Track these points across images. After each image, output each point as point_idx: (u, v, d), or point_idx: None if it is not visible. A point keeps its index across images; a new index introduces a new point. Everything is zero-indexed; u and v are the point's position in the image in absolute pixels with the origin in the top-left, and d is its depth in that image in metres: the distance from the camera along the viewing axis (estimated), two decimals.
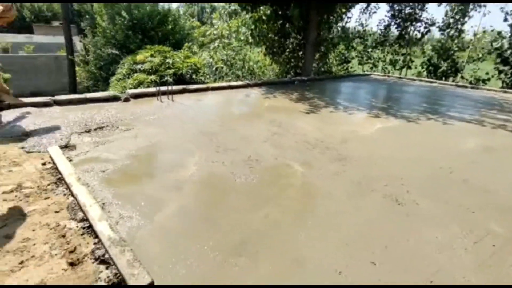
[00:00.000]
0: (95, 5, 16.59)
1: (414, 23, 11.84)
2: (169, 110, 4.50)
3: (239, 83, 7.05)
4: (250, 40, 8.98)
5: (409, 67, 12.21)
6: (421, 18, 11.66)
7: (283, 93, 6.41)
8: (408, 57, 12.18)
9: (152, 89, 5.44)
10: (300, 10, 7.86)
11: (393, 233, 1.92)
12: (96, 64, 13.85)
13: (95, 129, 3.46)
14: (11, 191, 2.13)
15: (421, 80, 9.64)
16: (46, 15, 27.79)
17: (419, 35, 11.83)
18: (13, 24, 26.76)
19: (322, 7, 8.33)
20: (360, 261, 1.66)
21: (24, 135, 3.13)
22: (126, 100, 4.95)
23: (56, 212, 1.95)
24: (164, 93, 5.33)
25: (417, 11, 11.72)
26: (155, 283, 1.40)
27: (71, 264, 1.53)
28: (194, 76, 9.52)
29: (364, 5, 12.17)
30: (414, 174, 2.80)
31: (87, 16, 19.49)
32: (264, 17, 8.14)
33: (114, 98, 4.91)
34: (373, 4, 12.15)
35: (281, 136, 3.64)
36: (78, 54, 15.78)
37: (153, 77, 9.73)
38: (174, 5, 15.52)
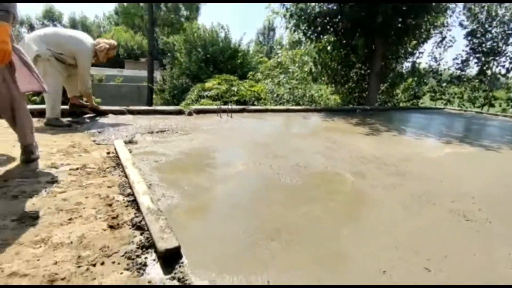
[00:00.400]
0: (176, 43, 18.78)
1: (497, 57, 10.83)
2: (227, 124, 4.67)
3: (298, 107, 7.08)
4: (313, 69, 9.10)
5: (492, 105, 10.99)
6: (506, 52, 10.62)
7: (343, 118, 6.24)
8: (491, 93, 11.02)
9: (214, 107, 5.76)
10: (365, 40, 7.79)
11: (457, 246, 1.62)
12: (170, 92, 15.34)
13: (157, 132, 3.73)
14: (77, 168, 2.37)
15: (505, 116, 8.57)
16: (136, 53, 32.14)
17: (503, 71, 10.71)
18: (111, 60, 31.57)
19: (388, 38, 8.15)
20: (411, 265, 1.42)
21: (98, 132, 3.51)
22: (190, 114, 5.31)
23: (109, 187, 2.08)
24: (224, 111, 5.60)
25: (500, 44, 10.75)
26: (183, 251, 1.37)
27: (111, 227, 1.59)
28: (256, 103, 9.87)
29: (438, 38, 11.57)
30: (489, 195, 2.40)
31: (169, 54, 22.08)
32: (328, 47, 8.24)
33: (179, 112, 5.30)
34: (448, 38, 11.48)
35: (335, 150, 3.48)
36: (157, 84, 17.70)
37: (218, 102, 10.36)
38: (244, 42, 16.75)
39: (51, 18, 38.62)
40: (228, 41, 15.87)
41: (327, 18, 7.84)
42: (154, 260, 1.35)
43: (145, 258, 1.36)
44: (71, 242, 1.43)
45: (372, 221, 1.83)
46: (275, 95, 9.14)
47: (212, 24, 16.93)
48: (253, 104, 10.06)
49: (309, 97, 9.03)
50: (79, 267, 1.28)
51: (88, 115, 4.37)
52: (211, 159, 2.87)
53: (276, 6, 7.70)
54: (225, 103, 10.17)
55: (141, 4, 17.87)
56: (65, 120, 3.85)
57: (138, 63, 29.60)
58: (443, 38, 11.38)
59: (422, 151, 3.78)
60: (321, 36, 7.78)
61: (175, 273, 1.26)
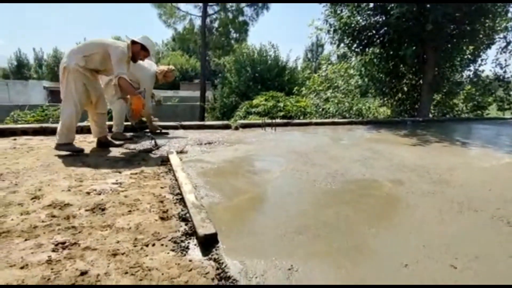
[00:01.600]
0: (227, 64, 19.86)
1: None
2: (269, 136, 4.89)
3: (344, 120, 7.06)
4: (360, 82, 9.01)
5: None
6: None
7: (391, 130, 6.08)
8: None
9: (258, 121, 6.04)
10: (414, 49, 7.56)
11: (492, 248, 1.59)
12: (221, 110, 16.14)
13: (205, 144, 4.07)
14: (136, 173, 2.74)
15: None
16: (190, 75, 34.40)
17: None
18: (168, 83, 34.47)
19: (441, 46, 7.79)
20: (436, 262, 1.44)
21: (154, 146, 3.96)
22: (236, 128, 5.64)
23: (161, 187, 2.40)
24: (269, 124, 5.84)
25: None
26: (219, 238, 1.57)
27: (162, 218, 1.87)
28: (301, 117, 9.99)
29: (502, 43, 10.66)
30: None
31: (220, 74, 23.31)
32: (374, 59, 8.13)
33: (226, 126, 5.66)
34: None
35: (375, 159, 3.48)
36: (208, 103, 18.75)
37: (264, 118, 10.69)
38: (292, 58, 17.09)
39: None
40: (277, 59, 16.36)
41: (373, 31, 7.80)
42: (195, 245, 1.58)
43: (188, 243, 1.59)
44: (130, 228, 1.72)
45: (403, 222, 1.86)
46: (320, 109, 9.18)
47: (261, 44, 17.62)
48: (298, 118, 10.20)
49: (356, 110, 8.90)
50: (135, 246, 1.54)
51: (147, 130, 4.91)
52: (251, 166, 3.09)
53: (319, 23, 7.90)
54: (272, 118, 10.47)
55: (195, 29, 19.32)
56: (128, 134, 4.39)
57: (192, 84, 31.62)
58: (508, 43, 10.46)
59: (473, 161, 3.58)
60: (367, 49, 7.72)
61: (211, 255, 1.46)
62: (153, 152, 3.58)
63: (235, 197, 2.19)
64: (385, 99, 9.00)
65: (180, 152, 3.57)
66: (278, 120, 5.95)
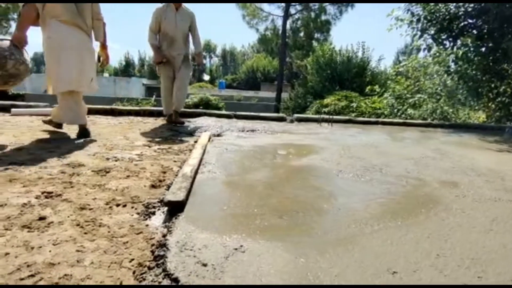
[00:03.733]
0: (308, 64, 19.57)
1: None
2: (321, 130, 4.53)
3: (418, 121, 6.16)
4: (448, 81, 7.77)
5: None
6: None
7: (478, 135, 5.03)
8: None
9: (316, 116, 5.68)
10: None
11: None
12: (294, 109, 15.94)
13: (247, 131, 3.97)
14: (163, 149, 2.80)
15: None
16: (272, 76, 35.01)
17: None
18: (250, 82, 36.19)
19: None
20: (443, 276, 1.03)
21: (199, 128, 4.03)
22: (291, 121, 5.40)
23: (174, 161, 2.38)
24: (327, 120, 5.44)
25: None
26: (187, 207, 1.43)
27: (152, 186, 1.82)
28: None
29: None
30: None
31: (301, 76, 23.14)
32: (468, 53, 6.89)
33: (281, 119, 5.47)
34: None
35: (435, 159, 2.87)
36: (284, 103, 18.74)
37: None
38: (374, 59, 15.79)
39: (208, 50, 46.89)
40: (363, 60, 15.41)
41: (468, 20, 6.60)
42: (163, 212, 1.47)
43: (158, 209, 1.49)
44: (116, 190, 1.72)
45: (426, 224, 1.43)
46: (395, 110, 8.19)
47: (347, 45, 16.82)
48: None
49: (441, 113, 7.66)
50: (107, 204, 1.52)
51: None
52: (280, 153, 2.86)
53: (399, 12, 7.02)
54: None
55: (277, 30, 19.52)
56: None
57: (272, 85, 32.13)
58: None
59: None
60: (457, 41, 6.56)
61: (168, 223, 1.33)
62: (196, 133, 3.62)
63: (236, 176, 2.03)
64: (480, 102, 7.55)
65: (217, 135, 3.55)
66: (337, 116, 5.49)
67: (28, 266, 0.99)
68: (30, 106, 4.51)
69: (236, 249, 1.11)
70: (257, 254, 1.08)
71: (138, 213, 1.44)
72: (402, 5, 6.89)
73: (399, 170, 2.41)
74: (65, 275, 0.96)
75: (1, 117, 3.86)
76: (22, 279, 0.94)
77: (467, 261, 1.12)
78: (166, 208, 1.48)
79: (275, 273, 0.99)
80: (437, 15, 6.55)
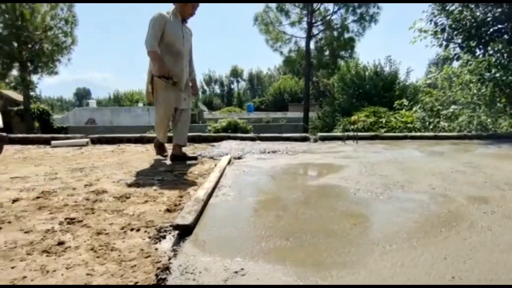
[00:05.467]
0: (335, 83, 19.53)
1: None
2: (344, 148, 4.44)
3: (452, 134, 5.84)
4: (483, 90, 7.37)
5: None
6: None
7: None
8: None
9: (340, 134, 5.58)
10: None
11: None
12: (322, 129, 15.78)
13: (268, 152, 3.99)
14: (183, 173, 2.89)
15: None
16: (299, 96, 35.14)
17: None
18: (277, 104, 36.48)
19: None
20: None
21: (221, 152, 4.12)
22: (315, 141, 5.36)
23: (192, 185, 2.44)
24: (352, 137, 5.33)
25: None
26: (196, 231, 1.46)
27: (168, 210, 1.87)
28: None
29: None
30: None
31: (328, 94, 23.06)
32: (501, 60, 6.55)
33: (304, 139, 5.44)
34: None
35: (465, 174, 2.69)
36: (312, 123, 18.65)
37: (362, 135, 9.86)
38: (402, 72, 15.43)
39: (235, 74, 48.42)
40: (393, 74, 15.13)
41: (497, 26, 6.32)
42: (173, 236, 1.50)
43: (169, 233, 1.53)
44: (133, 215, 1.79)
45: (446, 243, 1.33)
46: (426, 123, 7.83)
47: (374, 59, 16.62)
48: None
49: (478, 123, 7.21)
50: (121, 228, 1.58)
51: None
52: (297, 174, 2.84)
53: (422, 24, 6.85)
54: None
55: (300, 51, 19.76)
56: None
57: (300, 106, 32.20)
58: None
59: None
60: (488, 47, 6.25)
61: (174, 247, 1.36)
62: (217, 157, 3.70)
63: (250, 198, 2.04)
64: None
65: (238, 158, 3.60)
66: (362, 133, 5.36)
67: None
68: (68, 138, 4.88)
69: (236, 272, 1.11)
70: (256, 278, 1.07)
71: (149, 237, 1.49)
72: (424, 16, 6.76)
73: (423, 186, 2.30)
74: None
75: (42, 149, 4.21)
76: None
77: (484, 282, 1.03)
78: (176, 232, 1.52)
79: None
80: (463, 23, 6.34)
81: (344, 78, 16.33)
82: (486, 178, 2.55)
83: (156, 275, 1.14)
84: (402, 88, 15.06)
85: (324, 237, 1.41)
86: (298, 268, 1.14)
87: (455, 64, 7.66)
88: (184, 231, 1.46)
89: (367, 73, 15.95)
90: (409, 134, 5.70)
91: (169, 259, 1.25)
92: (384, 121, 10.15)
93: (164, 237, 1.50)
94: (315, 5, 17.94)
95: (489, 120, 7.44)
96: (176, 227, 1.46)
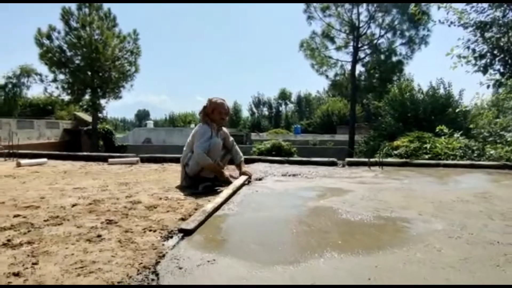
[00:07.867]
0: (384, 106, 19.14)
1: None
2: (365, 173, 4.60)
3: (490, 163, 5.60)
4: None
5: None
6: None
7: None
8: None
9: (366, 160, 5.70)
10: None
11: None
12: (366, 153, 15.47)
13: (288, 175, 4.35)
14: (205, 191, 3.39)
15: None
16: (348, 118, 34.63)
17: None
18: (325, 126, 36.40)
19: None
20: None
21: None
22: (343, 166, 5.56)
23: (209, 201, 2.91)
24: (380, 164, 5.43)
25: None
26: (195, 234, 1.91)
27: (182, 219, 2.36)
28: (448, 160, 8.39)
29: None
30: None
31: (380, 118, 22.62)
32: None
33: (332, 163, 5.66)
34: None
35: (467, 203, 2.78)
36: (357, 146, 18.34)
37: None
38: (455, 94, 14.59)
39: (283, 97, 49.49)
40: (446, 97, 14.52)
41: None
42: (178, 237, 1.98)
43: (176, 235, 2.01)
44: (154, 220, 2.31)
45: (387, 257, 1.60)
46: (470, 151, 7.45)
47: (426, 81, 16.14)
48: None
49: None
50: (143, 229, 2.10)
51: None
52: (304, 196, 3.16)
53: (459, 50, 6.72)
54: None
55: (346, 74, 19.89)
56: None
57: (348, 128, 31.72)
58: None
59: None
60: None
61: (175, 244, 1.83)
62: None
63: (250, 213, 2.44)
64: None
65: (258, 179, 4.02)
66: (391, 159, 5.43)
67: (81, 261, 1.59)
68: (122, 157, 5.76)
69: (208, 261, 1.53)
70: (221, 265, 1.48)
71: (161, 236, 1.98)
72: (460, 43, 6.68)
73: (410, 213, 2.49)
74: (99, 268, 1.51)
75: (101, 165, 5.09)
76: (76, 268, 1.52)
77: None
78: (181, 234, 1.99)
79: (226, 279, 1.38)
80: (504, 48, 6.15)
81: (393, 101, 16.01)
82: (485, 208, 2.63)
83: (156, 260, 1.61)
84: (462, 112, 13.82)
85: (282, 244, 1.77)
86: (255, 263, 1.52)
87: (492, 90, 7.30)
88: (186, 234, 1.92)
89: (419, 95, 15.49)
90: (442, 162, 5.61)
91: (168, 251, 1.71)
92: (428, 147, 9.80)
93: (171, 237, 1.97)
94: (361, 29, 18.14)
95: None
96: (180, 230, 1.94)
